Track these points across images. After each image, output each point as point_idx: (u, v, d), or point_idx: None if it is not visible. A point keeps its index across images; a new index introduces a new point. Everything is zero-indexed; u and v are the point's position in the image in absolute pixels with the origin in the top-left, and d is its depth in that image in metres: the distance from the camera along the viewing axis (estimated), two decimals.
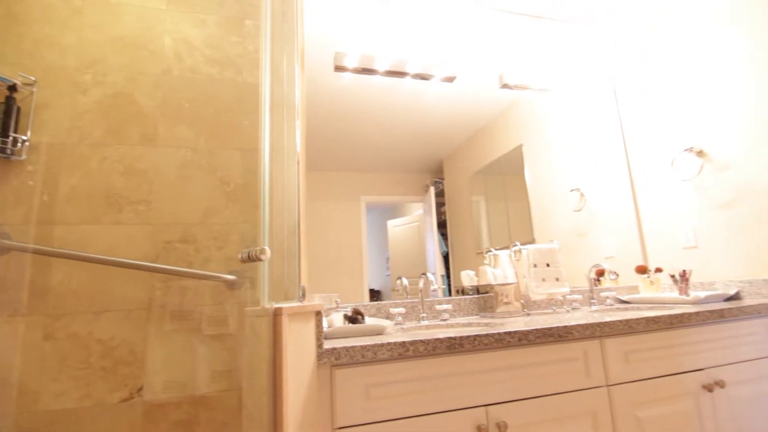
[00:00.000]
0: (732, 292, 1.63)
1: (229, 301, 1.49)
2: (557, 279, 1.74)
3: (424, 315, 1.60)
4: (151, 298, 1.40)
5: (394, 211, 1.88)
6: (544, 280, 1.72)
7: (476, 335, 1.10)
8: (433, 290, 1.67)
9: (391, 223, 1.86)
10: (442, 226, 1.91)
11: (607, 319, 1.27)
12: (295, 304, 0.92)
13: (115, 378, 1.29)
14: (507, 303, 1.68)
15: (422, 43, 1.99)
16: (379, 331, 1.22)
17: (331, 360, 0.98)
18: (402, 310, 1.56)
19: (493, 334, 1.12)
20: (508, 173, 2.04)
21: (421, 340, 1.05)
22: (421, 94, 1.94)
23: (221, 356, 1.44)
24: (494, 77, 2.08)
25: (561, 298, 1.83)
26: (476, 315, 1.75)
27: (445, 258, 1.88)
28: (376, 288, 1.78)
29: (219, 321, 1.46)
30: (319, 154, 1.79)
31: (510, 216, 1.99)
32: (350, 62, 1.84)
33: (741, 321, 1.44)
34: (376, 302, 1.68)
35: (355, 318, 1.31)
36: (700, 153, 1.81)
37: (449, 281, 1.84)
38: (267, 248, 0.81)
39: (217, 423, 1.33)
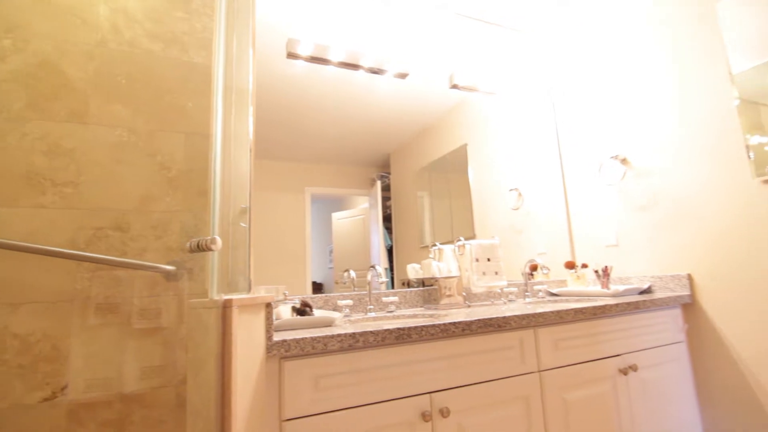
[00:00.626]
0: (645, 286, 1.82)
1: (167, 292, 1.41)
2: (496, 273, 1.84)
3: (371, 307, 1.63)
4: (78, 289, 1.29)
5: (339, 203, 1.88)
6: (484, 273, 1.82)
7: (423, 326, 1.14)
8: (380, 283, 1.70)
9: (336, 216, 1.86)
10: (387, 220, 1.94)
11: (540, 310, 1.37)
12: (245, 295, 0.90)
13: (35, 376, 1.17)
14: (450, 295, 1.75)
15: (377, 37, 1.99)
16: (328, 323, 1.22)
17: (281, 352, 0.97)
18: (350, 302, 1.58)
19: (439, 324, 1.16)
20: (452, 171, 2.12)
21: (371, 331, 1.07)
22: (373, 89, 1.95)
23: (156, 351, 1.36)
24: (445, 77, 2.14)
25: (499, 291, 1.94)
26: (421, 307, 1.81)
27: (389, 251, 1.92)
28: (319, 281, 1.77)
29: (154, 314, 1.38)
30: (265, 142, 1.74)
31: (453, 212, 2.07)
32: (304, 50, 1.80)
33: (652, 312, 1.62)
34: (323, 294, 1.68)
35: (303, 310, 1.30)
36: (623, 161, 2.00)
37: (392, 274, 1.88)
38: (218, 238, 0.78)
39: (153, 421, 1.26)
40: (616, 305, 1.50)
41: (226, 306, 0.81)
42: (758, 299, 1.50)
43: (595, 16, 2.15)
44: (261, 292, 1.01)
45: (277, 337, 1.00)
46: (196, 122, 1.52)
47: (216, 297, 0.83)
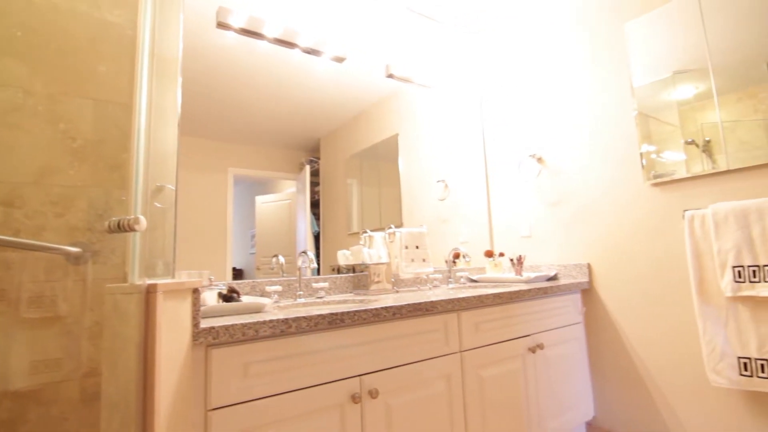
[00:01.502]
0: (552, 273, 2.02)
1: (68, 277, 1.27)
2: (424, 260, 1.92)
3: (301, 293, 1.61)
4: None
5: (263, 186, 1.82)
6: (413, 260, 1.89)
7: (356, 311, 1.16)
8: (305, 268, 1.67)
9: (260, 199, 1.79)
10: (314, 206, 1.92)
11: (463, 295, 1.46)
12: (169, 280, 0.84)
13: None
14: (379, 281, 1.79)
15: (317, 17, 1.93)
16: (258, 309, 1.19)
17: (208, 339, 0.93)
18: (278, 288, 1.54)
19: (371, 309, 1.19)
20: (383, 159, 2.15)
21: (304, 317, 1.07)
22: (308, 70, 1.90)
23: (53, 342, 1.22)
24: (381, 66, 2.15)
25: (425, 277, 2.02)
26: (351, 293, 1.82)
27: (316, 237, 1.90)
28: (239, 267, 1.70)
29: (50, 301, 1.23)
30: (187, 116, 1.62)
31: (382, 200, 2.11)
32: (236, 21, 1.69)
33: (557, 296, 1.81)
34: (251, 280, 1.62)
35: (230, 296, 1.25)
36: (539, 159, 2.18)
37: (319, 260, 1.87)
38: (142, 218, 0.71)
39: (53, 419, 1.13)
40: (528, 291, 1.65)
41: (150, 291, 0.75)
42: (642, 287, 1.75)
43: (525, 23, 2.30)
44: (183, 278, 0.95)
45: (204, 324, 0.95)
46: (108, 89, 1.37)
47: (138, 282, 0.76)
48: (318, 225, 1.91)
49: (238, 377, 0.98)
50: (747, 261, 1.40)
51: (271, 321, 1.02)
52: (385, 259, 1.83)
